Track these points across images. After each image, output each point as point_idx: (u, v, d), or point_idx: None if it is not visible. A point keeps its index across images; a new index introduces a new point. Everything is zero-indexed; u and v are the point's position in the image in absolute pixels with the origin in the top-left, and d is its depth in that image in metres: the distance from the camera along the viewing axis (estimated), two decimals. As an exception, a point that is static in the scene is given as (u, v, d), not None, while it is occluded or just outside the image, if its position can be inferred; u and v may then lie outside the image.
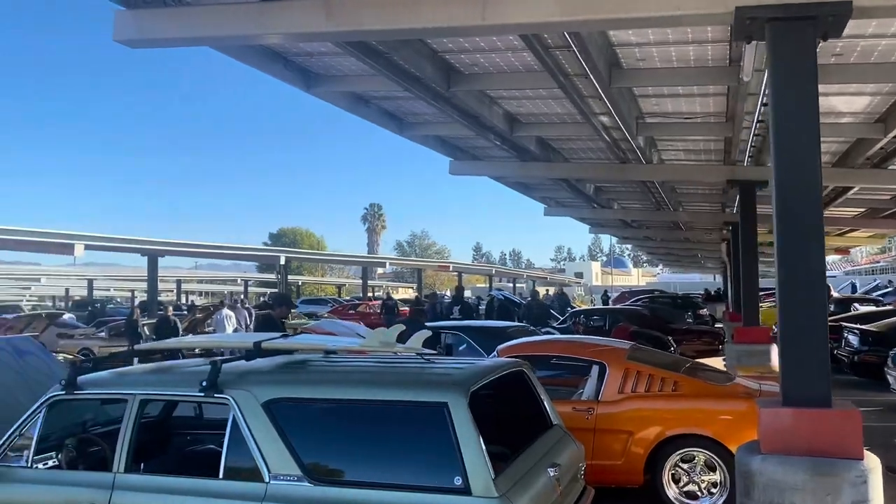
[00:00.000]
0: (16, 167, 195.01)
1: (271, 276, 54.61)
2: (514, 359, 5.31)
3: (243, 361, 4.70)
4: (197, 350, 8.64)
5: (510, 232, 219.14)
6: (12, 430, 4.63)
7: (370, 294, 47.15)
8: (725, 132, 11.65)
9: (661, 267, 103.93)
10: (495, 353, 7.26)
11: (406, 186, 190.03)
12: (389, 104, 11.79)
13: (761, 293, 16.12)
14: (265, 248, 50.26)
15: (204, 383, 4.24)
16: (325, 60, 9.42)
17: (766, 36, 5.03)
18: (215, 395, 4.25)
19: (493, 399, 4.76)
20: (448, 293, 44.40)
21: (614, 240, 66.23)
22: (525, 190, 20.14)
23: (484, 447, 3.75)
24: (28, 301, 59.26)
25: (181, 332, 17.89)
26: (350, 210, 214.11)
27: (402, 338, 4.79)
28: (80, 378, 4.68)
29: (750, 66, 7.30)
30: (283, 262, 33.15)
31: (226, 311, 19.00)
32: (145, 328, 19.08)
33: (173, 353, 8.26)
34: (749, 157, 13.20)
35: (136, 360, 9.46)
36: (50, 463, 4.87)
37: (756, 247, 14.15)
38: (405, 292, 64.74)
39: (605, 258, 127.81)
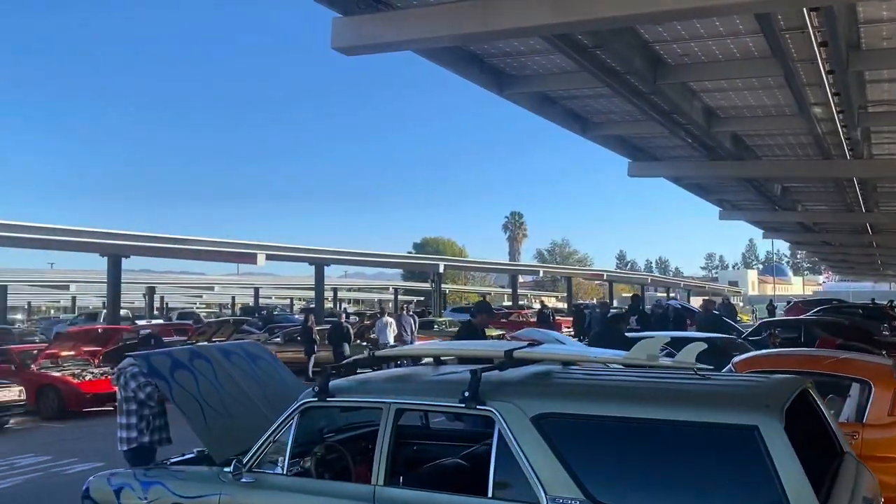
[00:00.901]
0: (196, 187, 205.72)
1: (417, 285, 55.64)
2: (795, 375, 4.69)
3: (497, 371, 4.40)
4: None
5: (655, 240, 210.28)
6: (266, 436, 4.57)
7: (512, 303, 46.73)
8: (965, 118, 10.28)
9: (825, 274, 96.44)
10: (730, 367, 6.59)
11: (544, 195, 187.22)
12: (575, 103, 11.40)
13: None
14: (423, 256, 51.33)
15: (466, 393, 3.98)
16: (521, 60, 9.17)
17: None
18: (477, 407, 3.97)
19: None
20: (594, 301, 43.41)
21: (780, 245, 61.91)
22: (701, 192, 19.04)
23: (807, 479, 3.22)
24: (198, 308, 63.63)
25: (353, 338, 18.54)
26: (486, 219, 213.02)
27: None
28: (331, 385, 4.58)
29: None
30: (441, 269, 33.59)
31: (386, 318, 19.83)
32: (317, 334, 19.77)
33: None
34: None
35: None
36: (295, 469, 4.80)
37: None
38: (547, 301, 63.94)
39: (760, 266, 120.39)
